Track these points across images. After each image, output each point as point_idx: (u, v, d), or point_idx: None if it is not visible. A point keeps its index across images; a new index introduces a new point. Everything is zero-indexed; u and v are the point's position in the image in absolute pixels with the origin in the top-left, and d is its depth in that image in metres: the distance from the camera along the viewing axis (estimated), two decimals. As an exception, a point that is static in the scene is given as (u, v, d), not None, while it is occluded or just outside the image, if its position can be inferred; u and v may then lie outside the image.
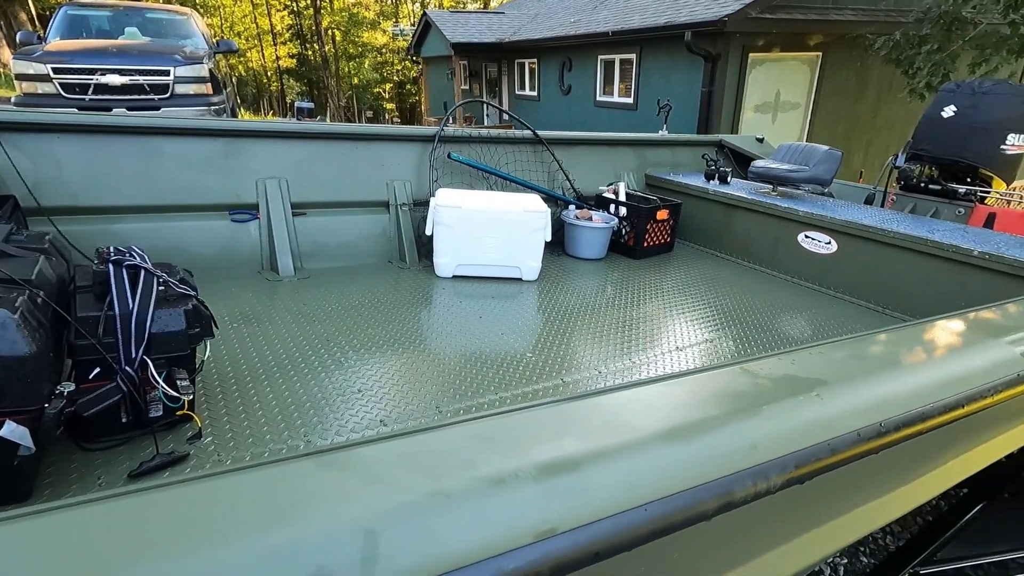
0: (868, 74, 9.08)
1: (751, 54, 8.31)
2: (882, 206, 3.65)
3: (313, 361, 1.90)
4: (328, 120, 20.29)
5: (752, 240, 3.35)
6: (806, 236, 3.07)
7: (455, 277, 2.83)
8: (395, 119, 29.82)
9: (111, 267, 1.37)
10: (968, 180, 3.43)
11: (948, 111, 3.46)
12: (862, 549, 2.31)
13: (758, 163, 3.54)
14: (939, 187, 3.50)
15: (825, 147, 3.40)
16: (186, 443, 1.42)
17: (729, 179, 3.74)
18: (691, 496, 0.55)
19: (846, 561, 2.28)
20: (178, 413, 1.43)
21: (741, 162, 4.33)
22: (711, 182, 3.72)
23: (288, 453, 0.51)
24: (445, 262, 2.80)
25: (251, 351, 1.93)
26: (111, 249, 1.46)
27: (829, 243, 2.97)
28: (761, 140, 4.50)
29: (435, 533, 0.44)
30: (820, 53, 8.78)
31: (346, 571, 0.40)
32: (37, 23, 17.29)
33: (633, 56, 9.93)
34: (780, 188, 3.49)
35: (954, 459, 1.01)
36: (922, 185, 3.59)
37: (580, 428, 0.58)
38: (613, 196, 3.50)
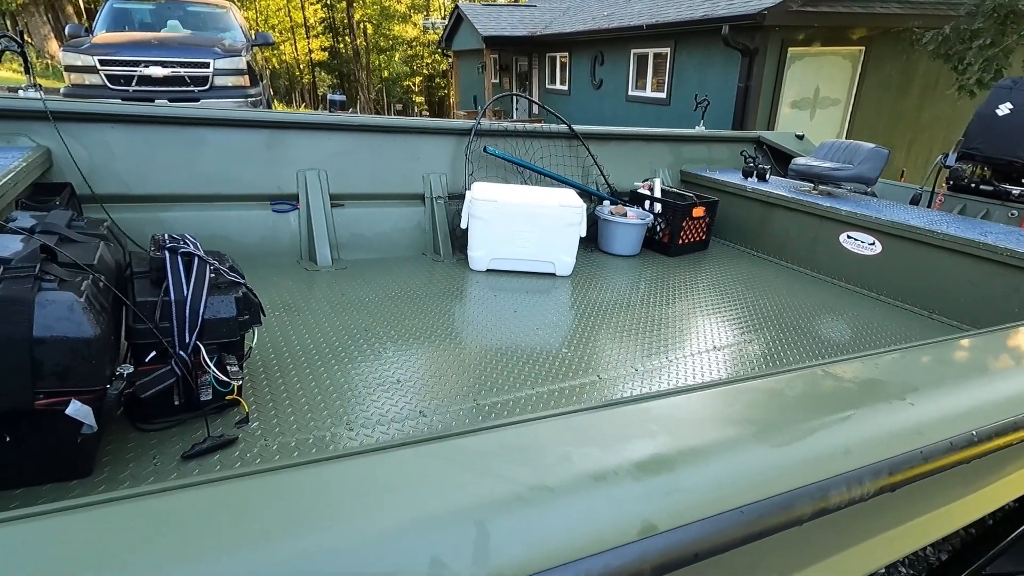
0: (913, 70, 8.76)
1: (790, 48, 8.10)
2: (928, 207, 3.53)
3: (352, 350, 1.93)
4: (358, 113, 20.51)
5: (791, 239, 3.28)
6: (848, 236, 2.99)
7: (489, 271, 2.84)
8: (424, 112, 29.99)
9: (167, 254, 1.41)
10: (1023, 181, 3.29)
11: (1003, 108, 3.31)
12: (901, 560, 2.25)
13: (799, 160, 3.45)
14: (991, 188, 3.36)
15: (871, 145, 3.30)
16: (234, 427, 1.46)
17: (768, 176, 3.66)
18: (787, 500, 0.54)
19: (883, 571, 2.22)
20: (227, 398, 1.47)
21: (779, 159, 4.23)
22: (749, 179, 3.64)
23: (382, 443, 0.52)
24: (480, 255, 2.81)
25: (292, 339, 1.97)
26: (166, 236, 1.50)
27: (873, 244, 2.89)
28: (801, 137, 4.38)
29: (542, 527, 0.45)
30: (863, 47, 8.51)
31: (459, 563, 0.41)
32: (84, 16, 17.85)
33: (667, 50, 9.78)
34: (821, 187, 3.40)
35: None
36: (972, 186, 3.45)
37: (670, 427, 0.58)
38: (648, 192, 3.46)
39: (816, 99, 8.72)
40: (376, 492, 0.46)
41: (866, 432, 0.64)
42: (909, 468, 0.64)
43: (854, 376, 0.74)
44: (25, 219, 1.44)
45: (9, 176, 1.73)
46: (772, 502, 0.53)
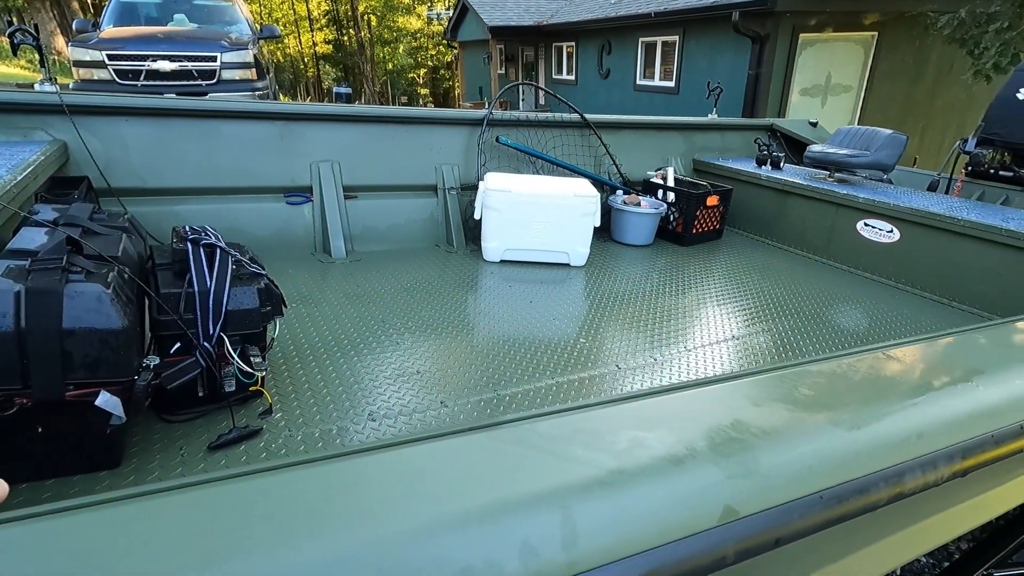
0: (927, 55, 8.63)
1: (802, 34, 7.99)
2: (947, 193, 3.48)
3: (371, 341, 1.93)
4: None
5: (807, 228, 3.24)
6: (866, 224, 2.96)
7: (503, 262, 2.83)
8: (429, 104, 29.87)
9: (189, 246, 1.41)
10: (1044, 166, 3.23)
11: (1024, 93, 3.25)
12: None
13: (815, 147, 3.41)
14: (1012, 173, 3.31)
15: (888, 131, 3.25)
16: (258, 418, 1.47)
17: (782, 164, 3.62)
18: (864, 484, 0.53)
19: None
20: (251, 389, 1.47)
21: (792, 147, 4.19)
22: (763, 167, 3.61)
23: (452, 427, 0.51)
24: (493, 246, 2.80)
25: (311, 331, 1.98)
26: (187, 228, 1.50)
27: (891, 231, 2.85)
28: (815, 124, 4.33)
29: (625, 511, 0.44)
30: (876, 33, 8.38)
31: (550, 549, 0.40)
32: (91, 11, 17.86)
33: (676, 38, 9.67)
34: (837, 174, 3.36)
35: None
36: (992, 171, 3.40)
37: (737, 411, 0.57)
38: (661, 181, 3.43)
39: (828, 86, 8.61)
40: (457, 477, 0.46)
41: (937, 416, 0.63)
42: (982, 452, 0.63)
43: (917, 359, 0.73)
44: (48, 212, 1.45)
45: (29, 170, 1.73)
46: (850, 486, 0.53)
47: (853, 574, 0.66)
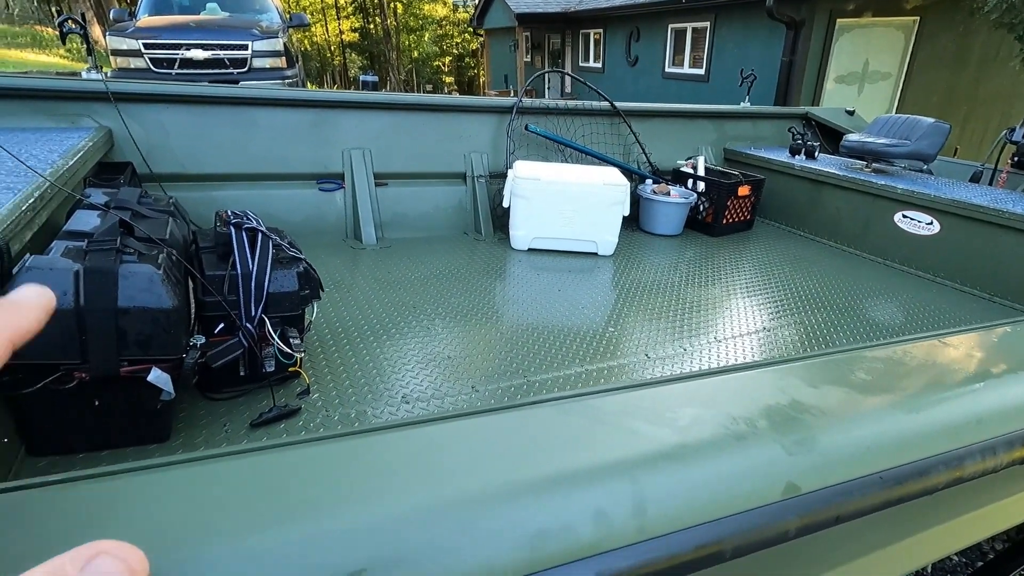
0: (971, 41, 8.27)
1: (839, 20, 7.74)
2: (990, 184, 3.36)
3: (402, 327, 1.96)
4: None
5: (842, 219, 3.17)
6: (904, 216, 2.88)
7: (530, 250, 2.83)
8: (454, 92, 29.84)
9: (232, 229, 1.45)
10: (1097, 157, 3.10)
11: (1078, 80, 3.10)
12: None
13: (852, 137, 3.32)
14: (1061, 165, 3.18)
15: (930, 119, 3.15)
16: (296, 397, 1.51)
17: (817, 154, 3.54)
18: (924, 467, 0.54)
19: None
20: (290, 370, 1.52)
21: (827, 136, 4.08)
22: (796, 157, 3.53)
23: (510, 400, 0.53)
24: (521, 234, 2.81)
25: (344, 315, 2.02)
26: (230, 212, 1.54)
27: (931, 223, 2.77)
28: (852, 113, 4.21)
29: (692, 482, 0.46)
30: (917, 18, 8.07)
31: (620, 515, 0.42)
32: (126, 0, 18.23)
33: (707, 24, 9.46)
34: (875, 164, 3.27)
35: None
36: (1040, 163, 3.27)
37: (794, 392, 0.58)
38: (691, 170, 3.38)
39: (865, 73, 8.34)
40: (527, 446, 0.48)
41: (996, 403, 0.63)
42: None
43: (973, 347, 0.72)
44: (98, 195, 1.50)
45: (79, 155, 1.80)
46: (909, 468, 0.53)
47: (912, 555, 0.66)
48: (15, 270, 1.10)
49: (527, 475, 0.44)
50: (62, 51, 17.14)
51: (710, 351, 1.95)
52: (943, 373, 0.66)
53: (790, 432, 0.52)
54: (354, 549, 0.39)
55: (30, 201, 1.32)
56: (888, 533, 0.65)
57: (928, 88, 8.49)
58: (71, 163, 1.71)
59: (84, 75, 2.42)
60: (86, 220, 1.30)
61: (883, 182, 2.94)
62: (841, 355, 0.67)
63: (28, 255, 1.14)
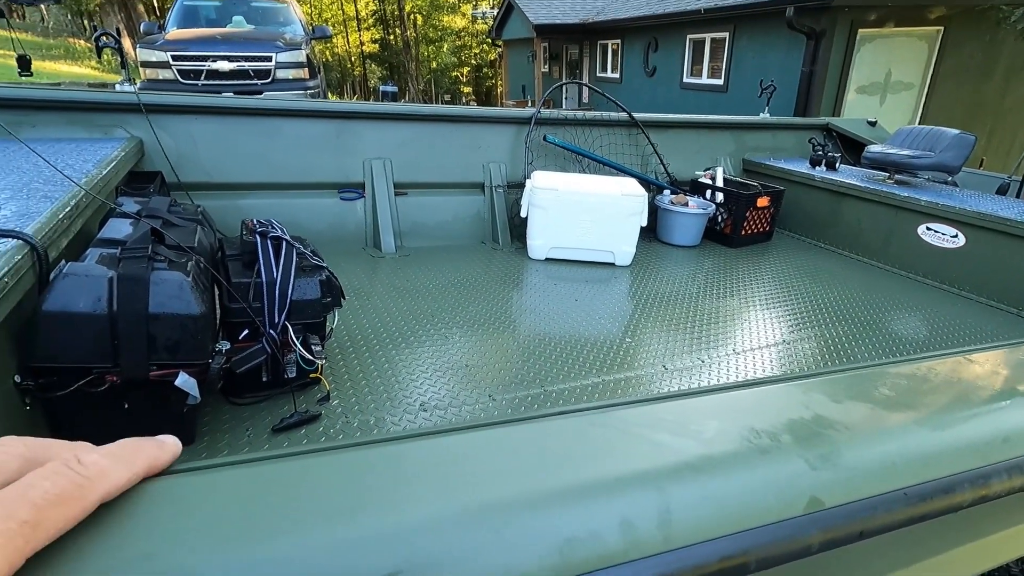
0: (997, 51, 8.15)
1: (860, 30, 7.68)
2: (1018, 196, 3.29)
3: (420, 335, 1.98)
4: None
5: (863, 231, 3.13)
6: (927, 228, 2.83)
7: (548, 260, 2.85)
8: (472, 102, 30.12)
9: (258, 238, 1.49)
10: None
11: (1109, 91, 3.04)
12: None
13: (874, 148, 3.29)
14: (1092, 177, 3.11)
15: (955, 130, 3.11)
16: (316, 404, 1.54)
17: (838, 165, 3.50)
18: (949, 484, 0.54)
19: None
20: (311, 376, 1.54)
21: (849, 148, 4.04)
22: (817, 168, 3.50)
23: (544, 410, 0.54)
24: (539, 244, 2.82)
25: (364, 323, 2.05)
26: (256, 221, 1.58)
27: (956, 236, 2.73)
28: (874, 123, 4.17)
29: (716, 494, 0.46)
30: (941, 28, 7.97)
31: (646, 524, 0.43)
32: (157, 13, 18.78)
33: (726, 35, 9.45)
34: (897, 176, 3.23)
35: None
36: (1069, 175, 3.20)
37: (818, 407, 0.58)
38: (709, 181, 3.37)
39: (887, 84, 8.24)
40: (556, 455, 0.48)
41: (1021, 421, 0.62)
42: None
43: (1000, 364, 0.72)
44: (131, 204, 1.55)
45: (112, 165, 1.86)
46: (934, 485, 0.53)
47: (938, 574, 0.66)
48: (52, 275, 1.14)
49: (553, 484, 0.45)
50: (94, 63, 17.69)
51: (728, 363, 1.94)
52: (969, 390, 0.66)
53: (813, 447, 0.52)
54: (379, 556, 0.40)
55: (67, 209, 1.36)
56: (913, 551, 0.65)
57: (952, 99, 8.36)
58: (104, 172, 1.77)
59: (117, 87, 2.50)
60: (119, 228, 1.34)
61: (906, 194, 2.91)
62: (864, 370, 0.67)
63: (64, 261, 1.18)
